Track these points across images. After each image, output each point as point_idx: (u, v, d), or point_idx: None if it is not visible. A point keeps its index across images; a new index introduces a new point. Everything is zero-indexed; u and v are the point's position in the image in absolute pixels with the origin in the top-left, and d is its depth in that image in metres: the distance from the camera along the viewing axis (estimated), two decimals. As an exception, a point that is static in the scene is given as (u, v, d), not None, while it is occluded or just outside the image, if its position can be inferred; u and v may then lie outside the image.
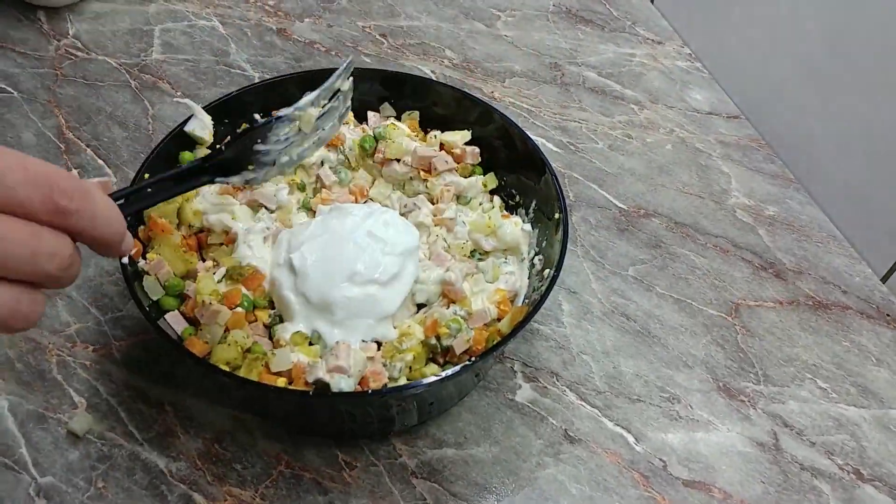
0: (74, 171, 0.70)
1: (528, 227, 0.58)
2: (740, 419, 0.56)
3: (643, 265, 0.67)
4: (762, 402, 0.58)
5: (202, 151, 0.58)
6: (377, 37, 0.87)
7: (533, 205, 0.58)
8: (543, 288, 0.49)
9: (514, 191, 0.61)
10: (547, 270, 0.52)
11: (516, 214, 0.60)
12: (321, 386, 0.46)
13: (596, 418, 0.56)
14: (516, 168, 0.60)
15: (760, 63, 0.81)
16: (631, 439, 0.55)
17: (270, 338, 0.51)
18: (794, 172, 0.76)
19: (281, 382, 0.46)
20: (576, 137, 0.78)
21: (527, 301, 0.53)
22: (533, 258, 0.56)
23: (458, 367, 0.44)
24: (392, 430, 0.53)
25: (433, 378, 0.44)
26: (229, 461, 0.52)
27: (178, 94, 0.78)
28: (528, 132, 0.59)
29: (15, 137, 0.72)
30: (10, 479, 0.51)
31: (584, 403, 0.57)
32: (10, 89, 0.77)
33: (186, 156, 0.57)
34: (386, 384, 0.48)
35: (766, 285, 0.66)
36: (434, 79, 0.64)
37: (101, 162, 0.71)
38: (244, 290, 0.51)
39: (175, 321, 0.50)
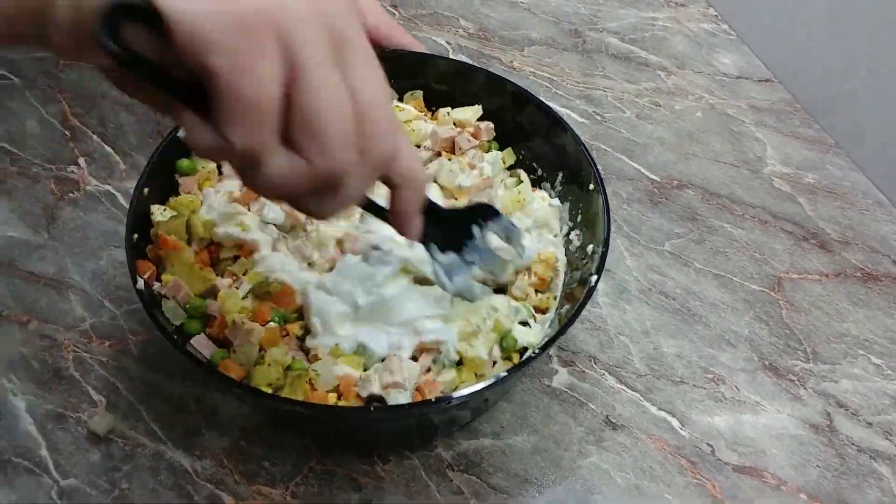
0: (81, 160, 0.67)
1: (555, 201, 0.54)
2: (790, 399, 0.54)
3: (679, 239, 0.63)
4: (812, 381, 0.55)
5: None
6: (388, 7, 0.83)
7: (560, 177, 0.55)
8: (594, 267, 0.45)
9: (534, 164, 0.57)
10: (591, 246, 0.48)
11: (541, 189, 0.56)
12: (375, 400, 0.43)
13: (638, 402, 0.53)
14: (533, 138, 0.56)
15: (790, 22, 0.77)
16: (675, 423, 0.52)
17: (303, 350, 0.47)
18: (834, 137, 0.73)
19: (331, 399, 0.44)
20: (601, 107, 0.74)
21: (568, 278, 0.50)
22: (568, 233, 0.53)
23: (534, 353, 0.42)
24: (451, 432, 0.51)
25: (503, 374, 0.41)
26: (257, 459, 0.50)
27: (185, 75, 0.75)
28: (550, 103, 0.55)
29: (18, 126, 0.69)
30: (32, 482, 0.49)
31: (624, 387, 0.54)
32: (10, 75, 0.74)
33: (185, 164, 0.52)
34: (443, 391, 0.45)
35: (810, 257, 0.63)
36: (429, 53, 0.59)
37: (108, 149, 0.68)
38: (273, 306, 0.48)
39: (202, 345, 0.46)
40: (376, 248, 0.48)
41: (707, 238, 0.64)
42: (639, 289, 0.60)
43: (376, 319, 0.46)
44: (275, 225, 0.51)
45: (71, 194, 0.65)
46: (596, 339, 0.56)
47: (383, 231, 0.49)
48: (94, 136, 0.69)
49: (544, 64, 0.79)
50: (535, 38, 0.82)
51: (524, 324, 0.49)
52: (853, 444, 0.51)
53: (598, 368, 0.55)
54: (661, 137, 0.72)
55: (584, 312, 0.58)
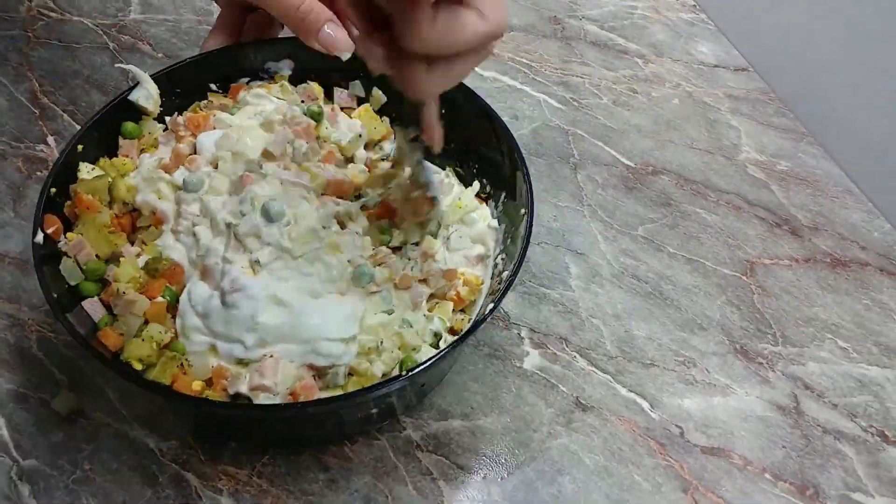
0: (51, 139, 0.66)
1: (494, 222, 0.52)
2: (759, 382, 0.54)
3: (653, 224, 0.63)
4: (781, 364, 0.55)
5: (148, 123, 0.53)
6: (367, -8, 0.83)
7: (502, 196, 0.52)
8: (501, 288, 0.43)
9: (484, 180, 0.54)
10: (506, 273, 0.46)
11: (487, 207, 0.53)
12: (243, 399, 0.42)
13: (608, 385, 0.53)
14: (485, 154, 0.53)
15: (767, 12, 0.78)
16: (646, 406, 0.52)
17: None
18: (807, 126, 0.73)
19: (197, 386, 0.42)
20: (579, 93, 0.74)
21: (487, 301, 0.48)
22: (496, 256, 0.50)
23: (424, 362, 0.40)
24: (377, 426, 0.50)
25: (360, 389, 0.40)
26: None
27: (160, 55, 0.74)
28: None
29: (-15, 104, 0.68)
30: (-9, 462, 0.48)
31: (595, 369, 0.54)
32: (-22, 53, 0.72)
33: (129, 127, 0.51)
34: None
35: (782, 243, 0.63)
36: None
37: (78, 127, 0.67)
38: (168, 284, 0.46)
39: (93, 309, 0.44)
40: (236, 288, 0.43)
41: (681, 223, 0.64)
42: (611, 272, 0.60)
43: (274, 343, 0.43)
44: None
45: (39, 173, 0.63)
46: (568, 321, 0.56)
47: (237, 267, 0.45)
48: (65, 115, 0.68)
49: (523, 50, 0.79)
50: (515, 24, 0.81)
51: (436, 343, 0.47)
52: (819, 425, 0.52)
53: (570, 350, 0.55)
54: (637, 124, 0.72)
55: (556, 296, 0.58)
